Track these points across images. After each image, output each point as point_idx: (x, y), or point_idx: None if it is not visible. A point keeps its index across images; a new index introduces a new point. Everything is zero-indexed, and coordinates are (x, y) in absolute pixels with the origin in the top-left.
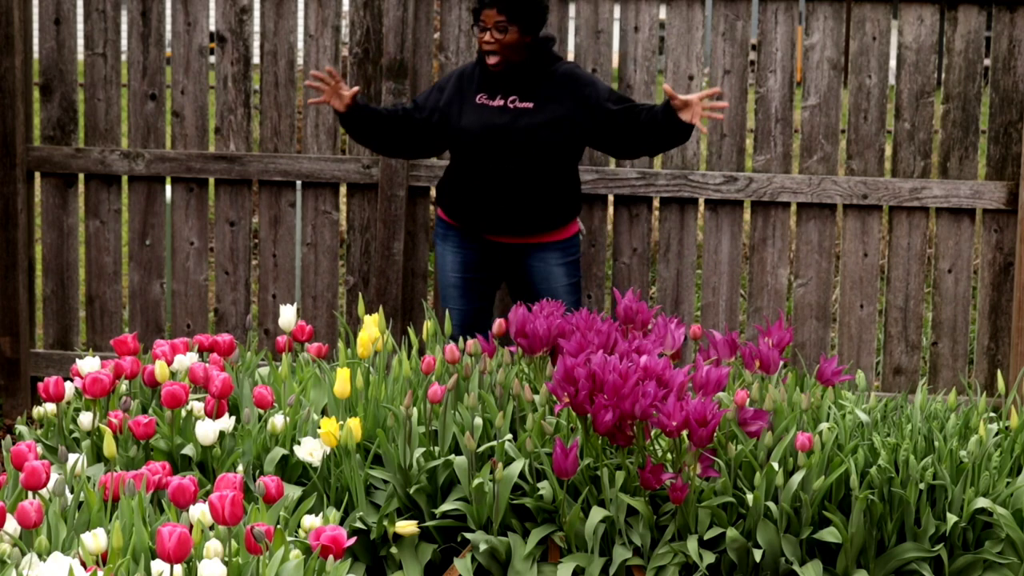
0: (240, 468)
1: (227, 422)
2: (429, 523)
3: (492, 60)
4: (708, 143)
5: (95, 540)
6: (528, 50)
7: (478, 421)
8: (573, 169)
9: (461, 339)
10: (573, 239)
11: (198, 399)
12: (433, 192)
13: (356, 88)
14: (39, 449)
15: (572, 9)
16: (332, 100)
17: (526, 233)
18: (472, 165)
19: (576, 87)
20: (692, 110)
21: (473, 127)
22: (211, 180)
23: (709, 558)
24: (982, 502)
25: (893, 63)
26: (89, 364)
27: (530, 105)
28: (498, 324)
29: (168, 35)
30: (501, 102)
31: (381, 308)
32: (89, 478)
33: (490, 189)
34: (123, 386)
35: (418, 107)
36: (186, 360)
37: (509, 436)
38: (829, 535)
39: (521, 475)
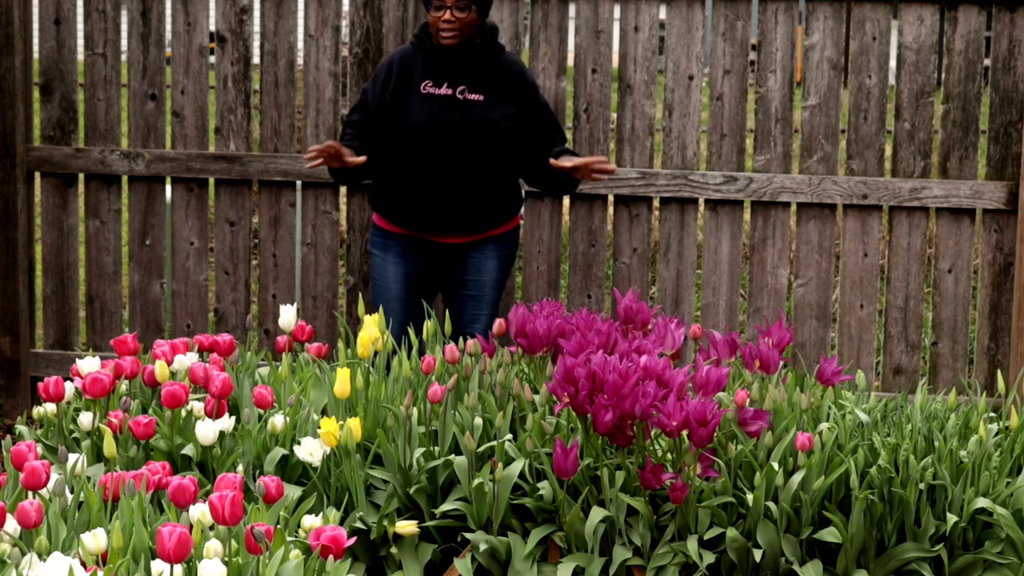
0: (240, 468)
1: (227, 422)
2: (429, 523)
3: (449, 40)
4: (708, 143)
5: (95, 540)
6: (480, 33)
7: (478, 421)
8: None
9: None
10: (513, 232)
11: (198, 399)
12: None
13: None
14: (39, 449)
15: (572, 9)
16: (332, 162)
17: (476, 231)
18: (421, 162)
19: (523, 90)
20: (582, 172)
21: (423, 120)
22: (211, 180)
23: (709, 558)
24: (982, 502)
25: (893, 63)
26: (89, 364)
27: (480, 98)
28: (498, 324)
29: (168, 35)
30: (449, 91)
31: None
32: (89, 478)
33: (442, 187)
34: (123, 386)
35: (368, 96)
36: (186, 360)
37: (509, 436)
38: (829, 535)
39: (521, 475)
